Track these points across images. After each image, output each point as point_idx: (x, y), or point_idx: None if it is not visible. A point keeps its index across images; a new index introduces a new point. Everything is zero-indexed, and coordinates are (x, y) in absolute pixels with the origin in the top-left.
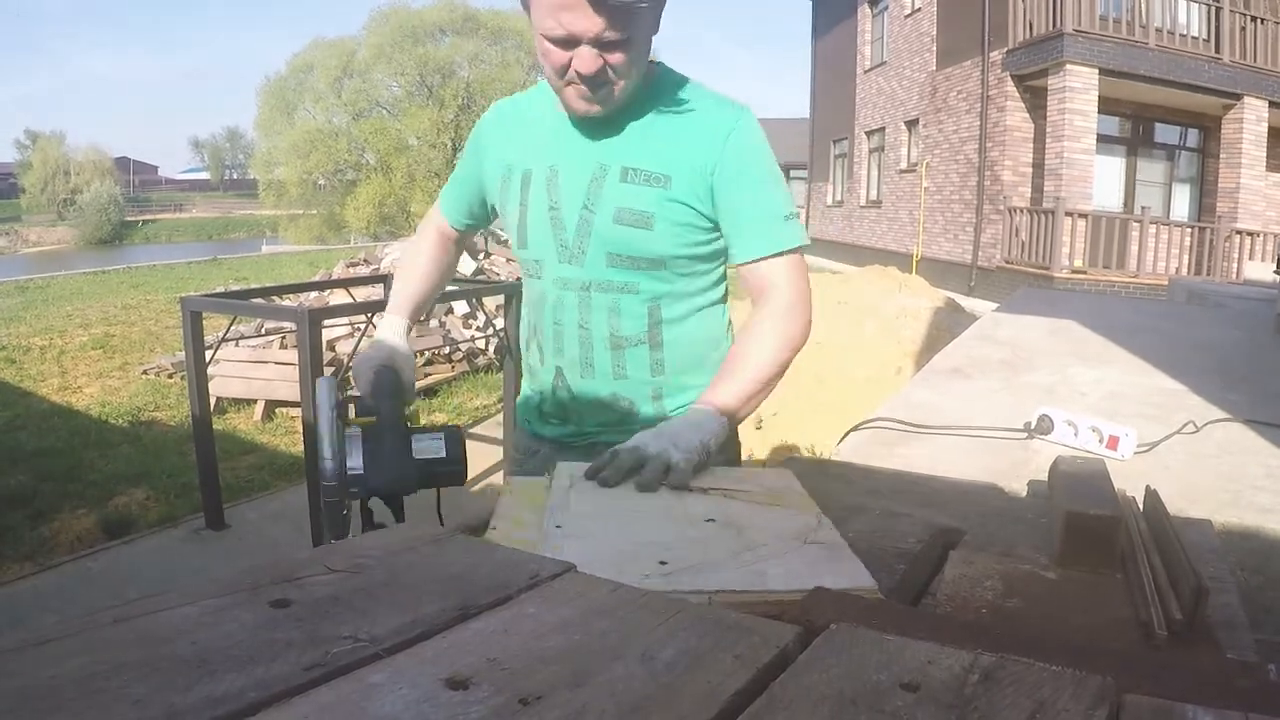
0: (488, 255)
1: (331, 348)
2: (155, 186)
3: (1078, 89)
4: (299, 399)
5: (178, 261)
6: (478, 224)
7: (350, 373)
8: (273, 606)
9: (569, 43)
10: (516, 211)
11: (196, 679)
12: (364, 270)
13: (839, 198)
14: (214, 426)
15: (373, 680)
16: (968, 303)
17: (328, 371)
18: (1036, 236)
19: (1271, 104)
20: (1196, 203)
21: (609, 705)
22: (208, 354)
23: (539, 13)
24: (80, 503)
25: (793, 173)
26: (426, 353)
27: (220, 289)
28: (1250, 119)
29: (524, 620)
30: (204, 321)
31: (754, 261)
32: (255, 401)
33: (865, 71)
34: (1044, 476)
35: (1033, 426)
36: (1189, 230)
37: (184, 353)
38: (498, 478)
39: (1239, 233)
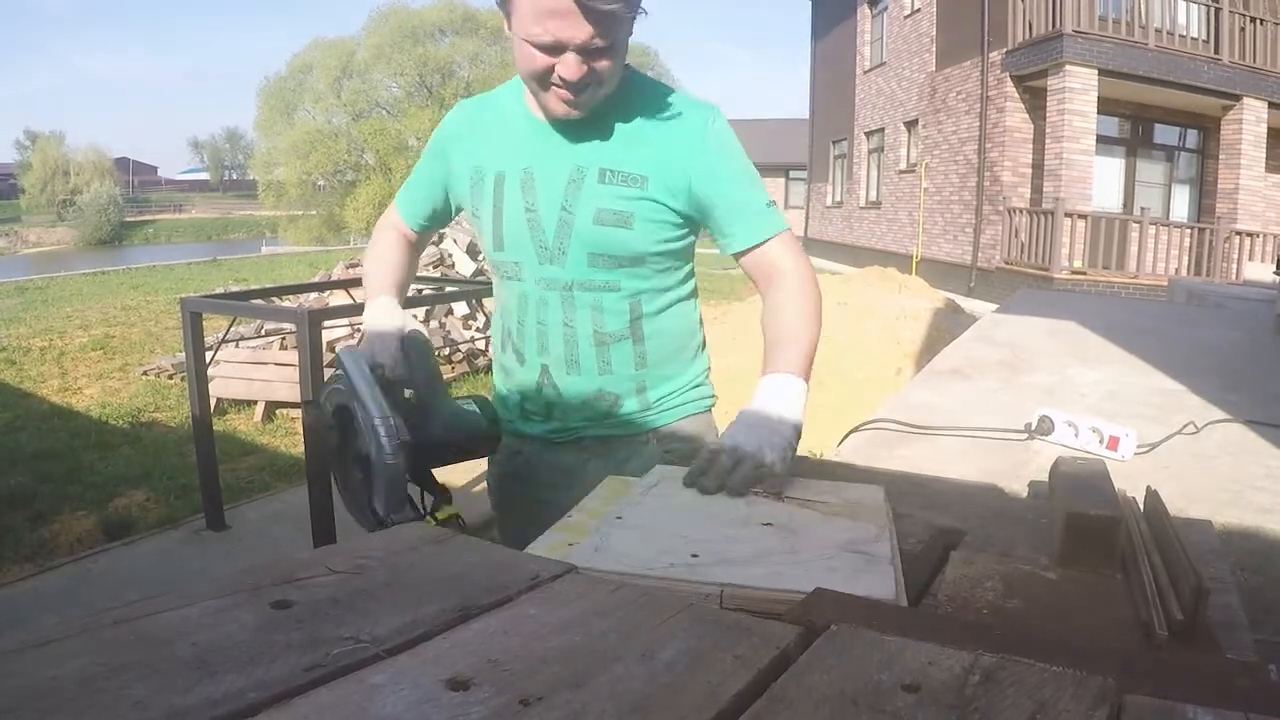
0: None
1: (331, 349)
2: (155, 187)
3: (1077, 89)
4: (299, 400)
5: (177, 262)
6: (437, 226)
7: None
8: (273, 607)
9: (555, 49)
10: (490, 214)
11: (197, 680)
12: None
13: (838, 198)
14: (214, 427)
15: (373, 681)
16: (967, 304)
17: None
18: (1036, 237)
19: (1271, 105)
20: (1196, 203)
21: (609, 706)
22: (208, 355)
23: (523, 18)
24: (80, 504)
25: (792, 173)
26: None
27: (220, 290)
28: (1250, 120)
29: (525, 621)
30: (204, 322)
31: (754, 248)
32: (255, 402)
33: (865, 72)
34: (1044, 477)
35: (1033, 427)
36: (1188, 231)
37: (184, 354)
38: None
39: (1238, 233)
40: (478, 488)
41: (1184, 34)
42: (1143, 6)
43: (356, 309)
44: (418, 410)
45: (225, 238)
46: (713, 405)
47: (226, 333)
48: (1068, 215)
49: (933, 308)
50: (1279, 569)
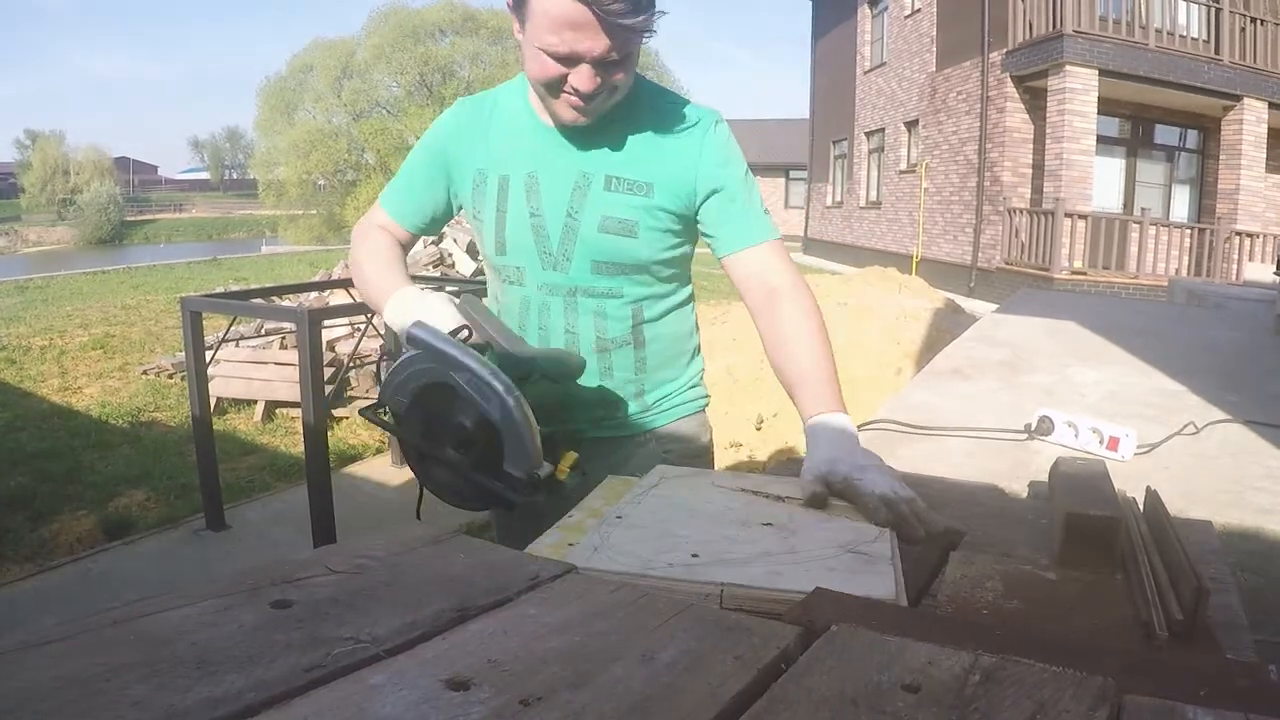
0: None
1: (331, 348)
2: (155, 186)
3: (1077, 90)
4: (299, 399)
5: (177, 261)
6: (434, 228)
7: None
8: (273, 607)
9: (570, 60)
10: (493, 217)
11: (196, 680)
12: None
13: (838, 199)
14: (214, 427)
15: (373, 681)
16: (967, 304)
17: (328, 372)
18: (1036, 237)
19: (1271, 105)
20: (1196, 204)
21: (609, 706)
22: (208, 354)
23: (539, 26)
24: (80, 504)
25: (792, 173)
26: None
27: (220, 289)
28: (1250, 120)
29: (524, 621)
30: (204, 322)
31: (743, 250)
32: (255, 402)
33: (865, 72)
34: (1044, 477)
35: (1033, 427)
36: (1188, 231)
37: (184, 353)
38: None
39: (1238, 234)
40: None
41: (1184, 34)
42: (1143, 7)
43: (356, 308)
44: (509, 362)
45: (225, 237)
46: (706, 405)
47: (226, 332)
48: (1068, 215)
49: (933, 308)
50: (1279, 570)
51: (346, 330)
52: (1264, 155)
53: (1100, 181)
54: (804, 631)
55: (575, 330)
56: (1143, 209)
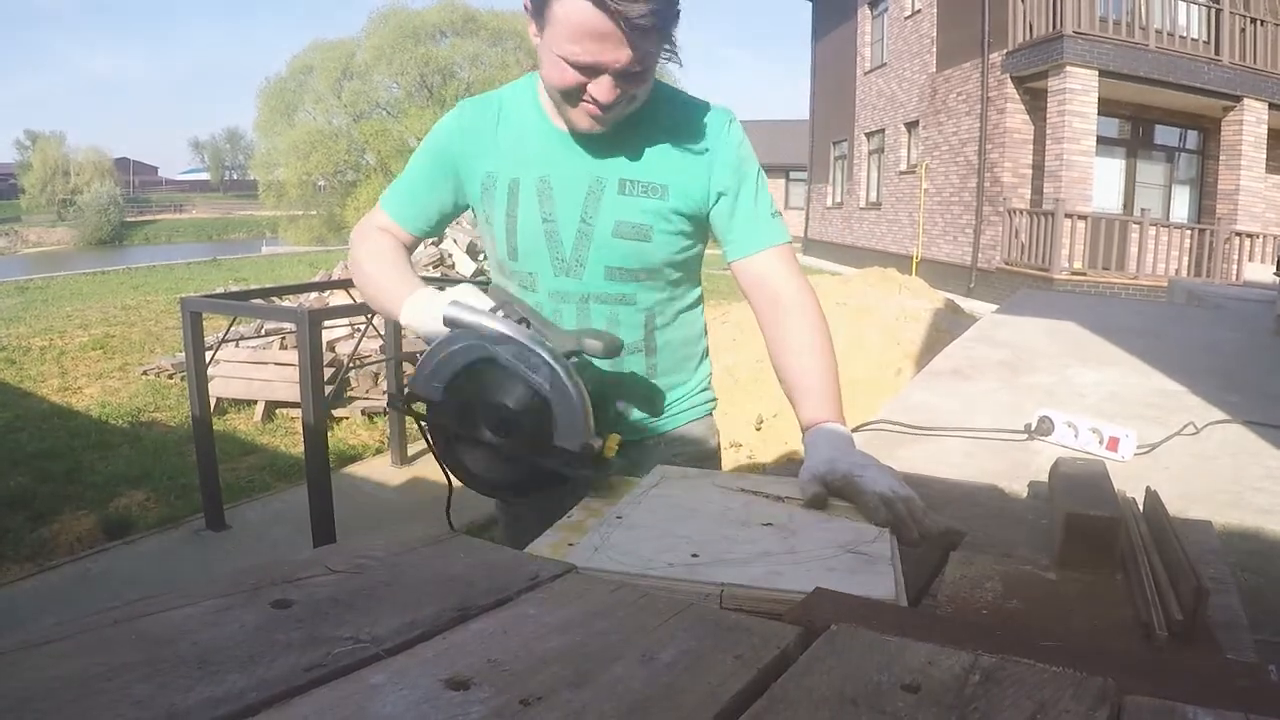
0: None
1: (331, 348)
2: (155, 187)
3: (1077, 91)
4: (299, 399)
5: (177, 262)
6: (435, 231)
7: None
8: (273, 607)
9: (591, 70)
10: (504, 223)
11: (197, 680)
12: None
13: (838, 199)
14: (214, 427)
15: (373, 681)
16: (967, 304)
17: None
18: (1036, 238)
19: (1271, 106)
20: (1196, 204)
21: (609, 706)
22: (208, 355)
23: (560, 34)
24: (80, 504)
25: (792, 174)
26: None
27: (220, 290)
28: (1250, 121)
29: (524, 621)
30: (204, 322)
31: (752, 256)
32: (255, 402)
33: (865, 73)
34: (1044, 478)
35: (1033, 428)
36: (1188, 232)
37: (184, 353)
38: None
39: (1238, 234)
40: None
41: (1184, 35)
42: (1143, 7)
43: (356, 309)
44: (553, 337)
45: (225, 238)
46: (714, 408)
47: (226, 332)
48: (1068, 216)
49: (933, 308)
50: (1279, 570)
51: (346, 330)
52: (1264, 156)
53: (1100, 182)
54: (804, 631)
55: None
56: (1143, 209)
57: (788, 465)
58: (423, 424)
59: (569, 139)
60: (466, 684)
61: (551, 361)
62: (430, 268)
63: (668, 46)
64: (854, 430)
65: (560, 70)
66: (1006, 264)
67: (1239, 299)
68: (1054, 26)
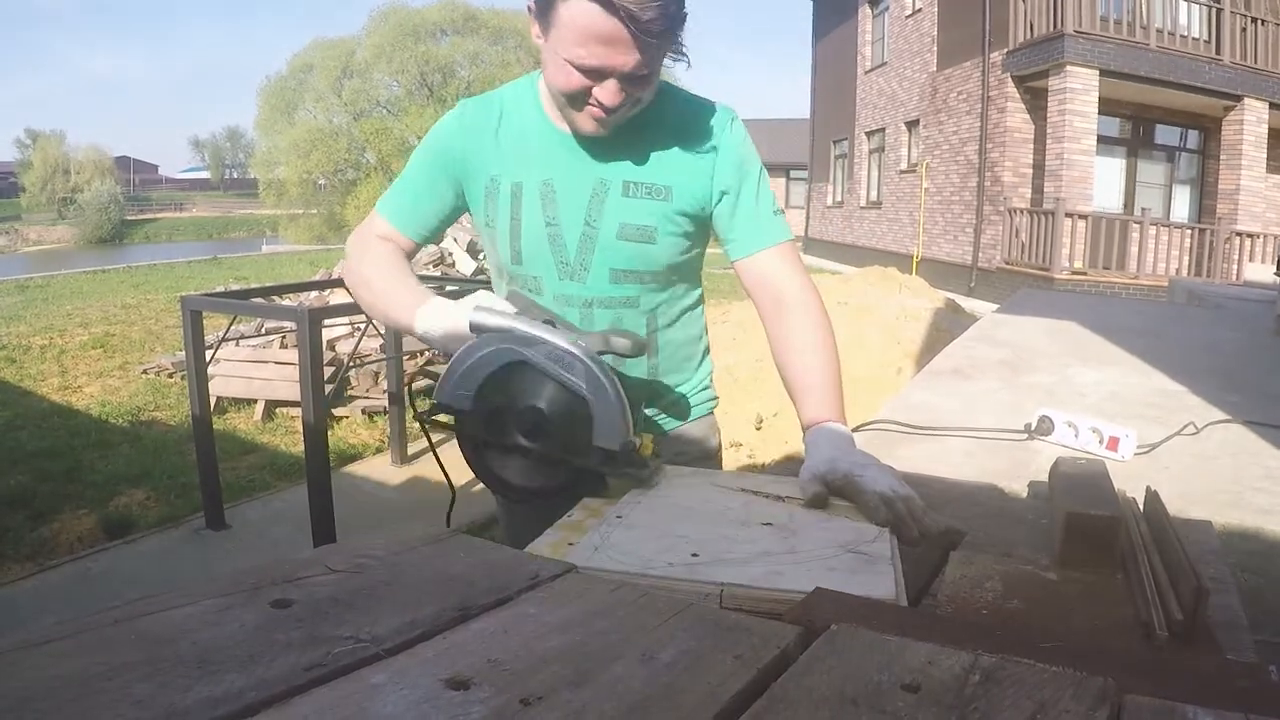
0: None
1: (332, 347)
2: (155, 186)
3: (1078, 90)
4: (299, 399)
5: (178, 261)
6: (436, 235)
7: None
8: (273, 607)
9: (597, 74)
10: (507, 226)
11: (197, 679)
12: None
13: (839, 198)
14: (214, 426)
15: (373, 680)
16: (968, 304)
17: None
18: (1036, 238)
19: (1272, 105)
20: (1196, 204)
21: (609, 705)
22: (208, 354)
23: (566, 37)
24: (80, 503)
25: (792, 173)
26: (427, 353)
27: (220, 288)
28: (1250, 120)
29: (524, 620)
30: (204, 321)
31: (754, 255)
32: (255, 401)
33: (866, 72)
34: (1044, 477)
35: (1033, 427)
36: (1189, 232)
37: (184, 352)
38: None
39: (1239, 234)
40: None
41: (1185, 34)
42: (1144, 7)
43: (357, 308)
44: (581, 336)
45: (226, 236)
46: (715, 407)
47: (227, 331)
48: (1068, 215)
49: (933, 308)
50: (1279, 570)
51: (346, 330)
52: (1264, 155)
53: (1101, 181)
54: (804, 631)
55: None
56: (1143, 209)
57: (788, 465)
58: (454, 432)
59: (572, 141)
60: (467, 683)
61: (587, 360)
62: (430, 267)
63: (675, 48)
64: (854, 430)
65: (566, 74)
66: (1007, 263)
67: (1239, 299)
68: (1055, 26)
